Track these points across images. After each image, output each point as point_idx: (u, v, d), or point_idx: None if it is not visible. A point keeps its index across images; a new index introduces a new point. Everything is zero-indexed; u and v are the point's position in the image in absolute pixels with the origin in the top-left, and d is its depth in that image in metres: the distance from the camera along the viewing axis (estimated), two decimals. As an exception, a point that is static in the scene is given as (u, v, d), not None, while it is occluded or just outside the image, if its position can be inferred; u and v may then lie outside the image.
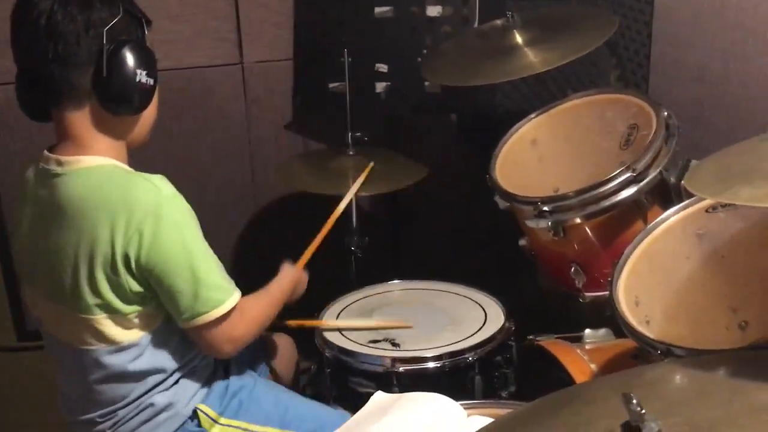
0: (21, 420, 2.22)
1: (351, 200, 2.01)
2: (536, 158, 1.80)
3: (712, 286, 1.29)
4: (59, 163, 1.28)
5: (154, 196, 1.24)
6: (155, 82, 1.29)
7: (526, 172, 1.77)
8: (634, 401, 0.73)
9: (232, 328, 1.32)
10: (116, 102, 1.25)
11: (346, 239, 2.11)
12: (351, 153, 2.06)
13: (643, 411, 0.72)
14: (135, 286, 1.27)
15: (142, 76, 1.24)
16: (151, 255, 1.24)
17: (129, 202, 1.23)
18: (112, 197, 1.24)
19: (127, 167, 1.31)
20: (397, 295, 1.86)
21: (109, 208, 1.23)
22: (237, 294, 1.32)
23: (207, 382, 1.40)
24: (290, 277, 1.55)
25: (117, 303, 1.27)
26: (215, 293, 1.28)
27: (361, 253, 2.09)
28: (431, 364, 1.55)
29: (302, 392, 1.72)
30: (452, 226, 2.40)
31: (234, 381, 1.43)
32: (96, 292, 1.26)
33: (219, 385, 1.41)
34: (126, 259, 1.24)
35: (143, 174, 1.28)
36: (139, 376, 1.32)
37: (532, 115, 1.80)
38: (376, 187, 2.03)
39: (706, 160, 1.09)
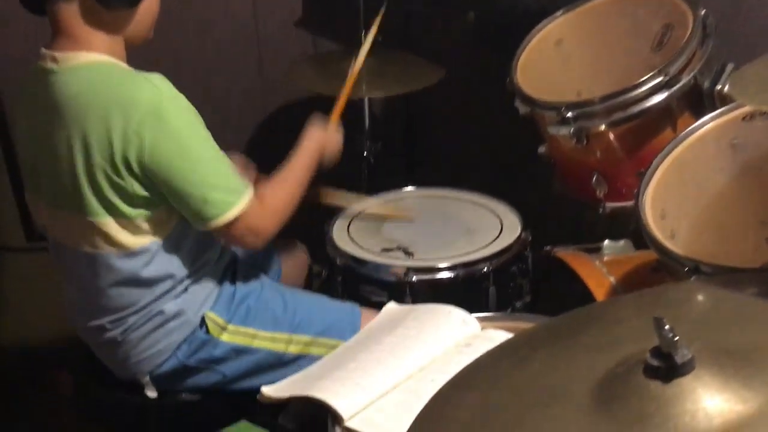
0: (31, 321, 2.24)
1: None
2: (560, 60, 1.71)
3: (744, 200, 1.23)
4: (54, 60, 1.23)
5: (154, 96, 1.19)
6: None
7: (548, 75, 1.68)
8: (667, 326, 0.69)
9: (253, 223, 1.28)
10: None
11: (358, 144, 2.06)
12: (364, 53, 1.96)
13: (676, 338, 0.68)
14: (140, 190, 1.23)
15: None
16: (153, 159, 1.20)
17: (127, 102, 1.18)
18: (110, 96, 1.19)
19: (124, 65, 1.25)
20: (410, 203, 1.81)
21: (106, 108, 1.19)
22: (248, 192, 1.28)
23: (215, 290, 1.38)
24: (315, 143, 1.45)
25: (122, 206, 1.24)
26: (225, 195, 1.25)
27: (373, 159, 2.04)
28: (445, 274, 1.52)
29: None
30: (468, 132, 2.32)
31: (240, 287, 1.41)
32: (98, 193, 1.23)
33: (226, 293, 1.39)
34: (127, 161, 1.20)
35: (142, 73, 1.22)
36: (150, 282, 1.30)
37: (558, 14, 1.70)
38: (389, 89, 1.95)
39: (753, 64, 1.00)
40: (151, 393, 1.37)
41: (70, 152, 1.22)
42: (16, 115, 1.34)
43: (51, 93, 1.22)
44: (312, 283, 1.83)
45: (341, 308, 1.46)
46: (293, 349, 1.39)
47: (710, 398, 0.66)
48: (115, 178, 1.21)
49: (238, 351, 1.37)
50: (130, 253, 1.28)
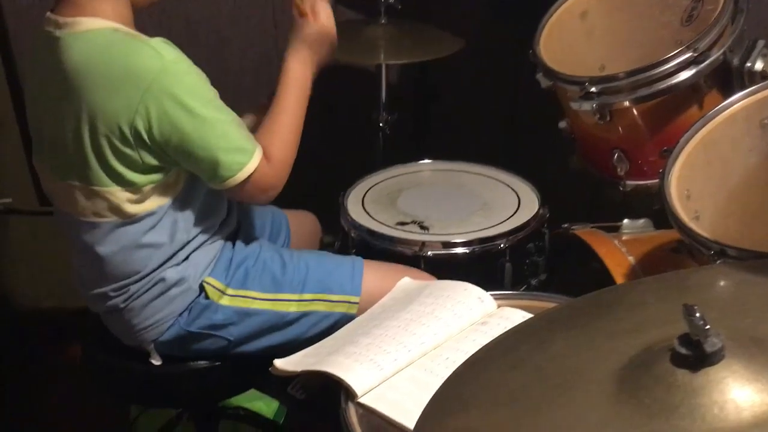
0: (42, 283, 2.24)
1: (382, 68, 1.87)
2: (584, 33, 1.66)
3: (773, 182, 1.19)
4: (58, 26, 1.20)
5: (157, 63, 1.16)
6: None
7: (572, 48, 1.63)
8: (698, 314, 0.66)
9: (262, 181, 1.27)
10: None
11: (374, 114, 2.02)
12: (383, 22, 1.92)
13: (708, 326, 0.66)
14: (150, 159, 1.22)
15: None
16: (162, 127, 1.18)
17: (131, 71, 1.16)
18: (113, 65, 1.17)
19: (126, 30, 1.21)
20: (426, 176, 1.78)
21: (110, 77, 1.17)
22: (258, 150, 1.26)
23: (215, 257, 1.37)
24: (301, 63, 1.37)
25: (130, 175, 1.22)
26: (236, 156, 1.23)
27: (389, 131, 2.01)
28: (460, 250, 1.49)
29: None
30: (486, 105, 2.28)
31: (238, 252, 1.39)
32: (104, 163, 1.21)
33: (223, 258, 1.37)
34: (136, 132, 1.18)
35: (144, 39, 1.19)
36: (152, 247, 1.29)
37: (584, -16, 1.64)
38: (406, 57, 1.91)
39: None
40: (156, 360, 1.37)
41: (76, 123, 1.19)
42: (26, 78, 1.32)
43: (55, 60, 1.19)
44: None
45: (342, 262, 1.43)
46: (295, 308, 1.36)
47: (740, 389, 0.64)
48: (124, 149, 1.20)
49: (240, 314, 1.35)
50: (135, 219, 1.26)
